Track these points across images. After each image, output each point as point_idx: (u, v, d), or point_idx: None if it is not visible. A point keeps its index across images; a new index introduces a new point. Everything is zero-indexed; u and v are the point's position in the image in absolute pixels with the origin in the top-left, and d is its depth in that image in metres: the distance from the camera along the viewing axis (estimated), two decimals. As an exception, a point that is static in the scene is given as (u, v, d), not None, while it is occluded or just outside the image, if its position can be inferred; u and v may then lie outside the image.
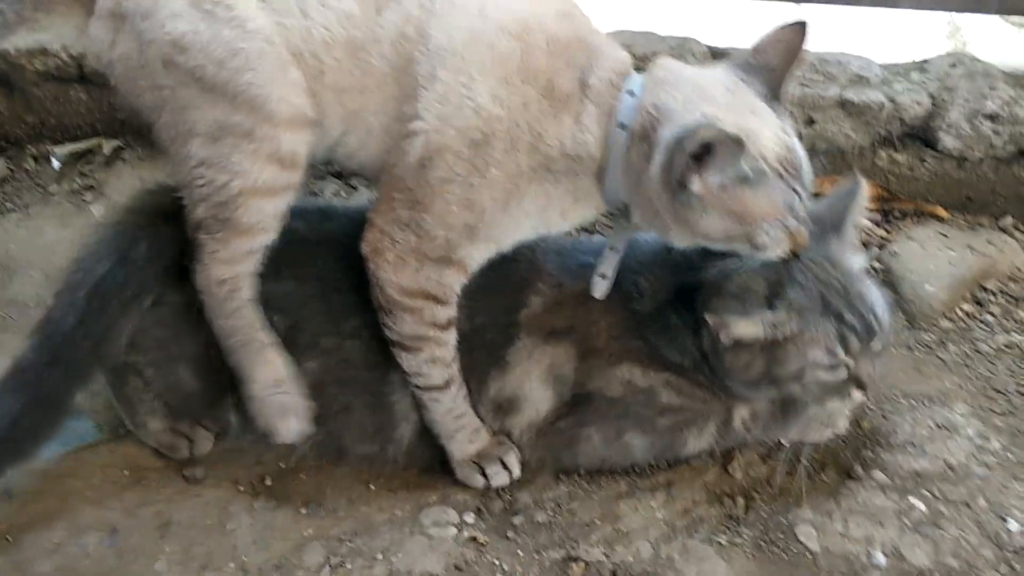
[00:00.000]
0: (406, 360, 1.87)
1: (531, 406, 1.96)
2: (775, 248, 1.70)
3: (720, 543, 1.86)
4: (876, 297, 1.85)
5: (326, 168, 2.64)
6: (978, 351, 2.27)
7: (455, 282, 1.82)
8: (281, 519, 1.93)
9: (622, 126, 1.70)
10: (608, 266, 1.87)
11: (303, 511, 1.95)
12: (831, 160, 2.57)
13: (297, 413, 1.87)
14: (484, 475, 1.97)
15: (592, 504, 1.95)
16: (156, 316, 1.93)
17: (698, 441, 1.99)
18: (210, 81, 1.67)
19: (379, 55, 1.70)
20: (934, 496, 1.93)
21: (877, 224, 2.55)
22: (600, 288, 1.87)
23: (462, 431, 1.95)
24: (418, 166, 1.71)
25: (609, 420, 1.95)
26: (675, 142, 1.60)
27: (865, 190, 1.91)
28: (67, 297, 1.87)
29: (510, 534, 1.91)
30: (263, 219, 1.77)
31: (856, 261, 1.89)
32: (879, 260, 2.47)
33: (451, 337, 1.87)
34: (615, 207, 1.80)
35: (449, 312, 1.84)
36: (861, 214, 1.90)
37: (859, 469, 1.98)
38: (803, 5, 2.72)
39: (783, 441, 2.02)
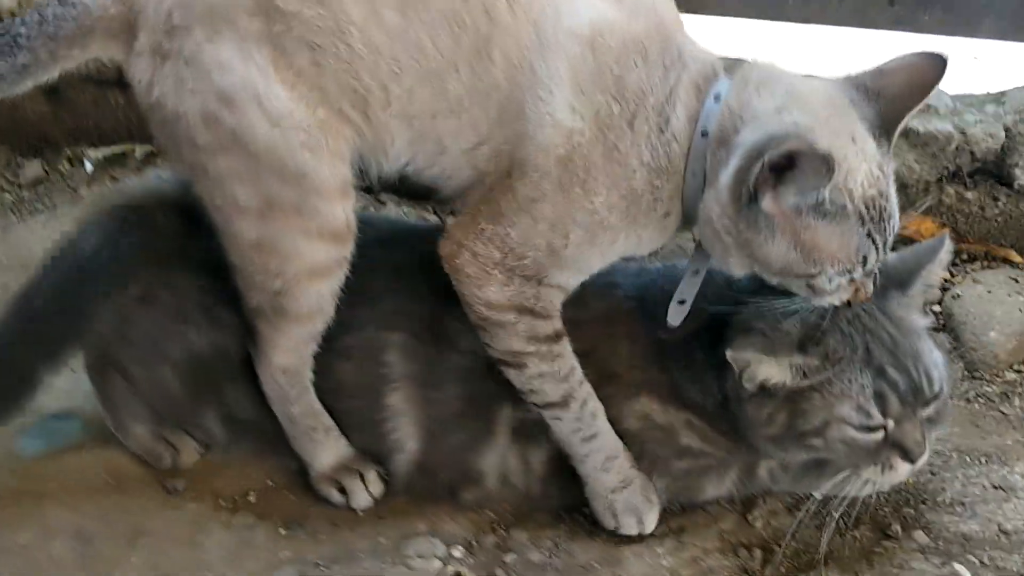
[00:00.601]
0: (513, 377, 1.69)
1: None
2: (833, 296, 1.53)
3: (731, 598, 1.67)
4: (934, 359, 1.65)
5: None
6: (1046, 404, 2.04)
7: (555, 297, 1.64)
8: (259, 538, 1.81)
9: (704, 134, 1.52)
10: (689, 291, 1.68)
11: (283, 531, 1.83)
12: (892, 194, 2.37)
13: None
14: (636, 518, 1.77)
15: (593, 546, 1.77)
16: (146, 312, 1.84)
17: (718, 488, 1.81)
18: (259, 145, 1.53)
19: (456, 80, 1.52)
20: (982, 563, 1.70)
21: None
22: (677, 315, 1.68)
23: (593, 455, 1.74)
24: (506, 177, 1.56)
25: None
26: (755, 148, 1.43)
27: (949, 250, 1.73)
28: (46, 273, 1.80)
29: (499, 572, 1.74)
30: (321, 302, 1.66)
31: (919, 321, 1.70)
32: (940, 304, 2.24)
33: (562, 349, 1.67)
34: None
35: (552, 325, 1.66)
36: (937, 276, 1.73)
37: (897, 528, 1.76)
38: (871, 32, 2.54)
39: (815, 494, 1.81)
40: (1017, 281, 2.23)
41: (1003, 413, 2.01)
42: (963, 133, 2.30)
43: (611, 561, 1.74)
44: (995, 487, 1.84)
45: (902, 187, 2.26)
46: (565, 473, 1.77)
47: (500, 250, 1.58)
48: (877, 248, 1.48)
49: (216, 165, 1.56)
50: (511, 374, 1.68)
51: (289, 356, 1.74)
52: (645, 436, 1.76)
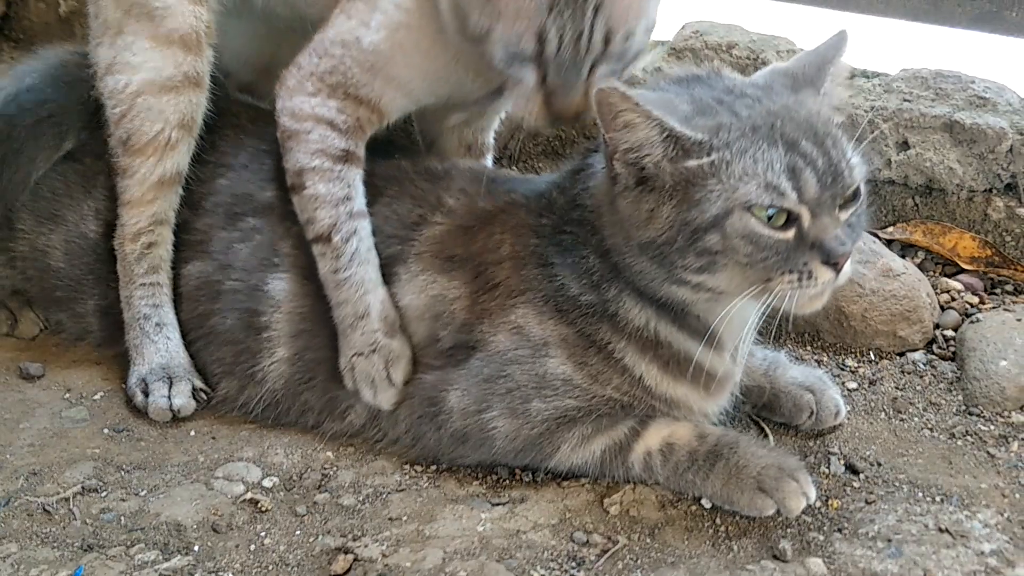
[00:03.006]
0: (296, 204, 1.60)
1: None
2: (518, 95, 1.40)
3: (535, 581, 1.34)
4: (853, 152, 1.34)
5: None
6: (1051, 457, 1.57)
7: (367, 122, 1.59)
8: (78, 433, 1.66)
9: None
10: None
11: (106, 431, 1.66)
12: (927, 202, 1.97)
13: None
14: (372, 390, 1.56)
15: (415, 501, 1.49)
16: (65, 169, 1.78)
17: (574, 454, 1.48)
18: None
19: None
20: (878, 610, 1.29)
21: (973, 291, 1.89)
22: None
23: (343, 306, 1.56)
24: None
25: (477, 383, 1.49)
26: None
27: (846, 41, 1.43)
28: None
29: (301, 509, 1.49)
30: (168, 128, 1.64)
31: (835, 119, 1.39)
32: (955, 330, 1.82)
33: (347, 174, 1.57)
34: None
35: (347, 144, 1.57)
36: (844, 73, 1.47)
37: (787, 549, 1.37)
38: (946, 28, 2.17)
39: (703, 500, 1.45)
40: (1064, 318, 1.77)
41: (990, 455, 1.57)
42: (1020, 133, 1.89)
43: (424, 517, 1.45)
44: (941, 530, 1.41)
45: (940, 193, 1.90)
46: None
47: (318, 55, 1.58)
48: (563, 36, 1.33)
49: None
50: (295, 201, 1.59)
51: (139, 210, 1.66)
52: (511, 358, 1.48)
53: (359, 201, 1.57)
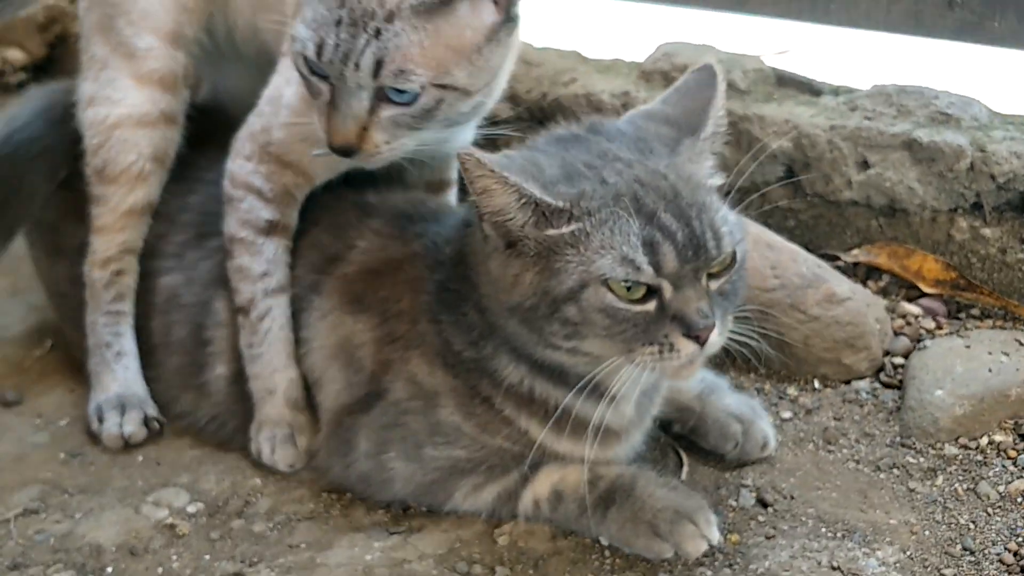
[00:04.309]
0: (228, 270, 1.65)
1: (327, 386, 1.61)
2: (317, 97, 1.39)
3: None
4: (724, 216, 1.31)
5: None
6: (975, 492, 1.50)
7: (295, 187, 1.61)
8: (35, 455, 1.75)
9: None
10: None
11: (61, 455, 1.76)
12: (891, 223, 1.90)
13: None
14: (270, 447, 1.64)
15: (320, 529, 1.54)
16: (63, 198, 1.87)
17: (466, 502, 1.52)
18: None
19: None
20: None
21: (933, 315, 1.82)
22: None
23: (256, 380, 1.63)
24: None
25: (378, 429, 1.53)
26: None
27: (722, 81, 1.38)
28: None
29: (215, 535, 1.55)
30: (142, 161, 1.72)
31: (711, 179, 1.37)
32: (905, 356, 1.75)
33: (270, 248, 1.61)
34: None
35: (273, 215, 1.61)
36: (721, 109, 1.38)
37: (661, 583, 1.36)
38: (929, 40, 2.10)
39: (601, 539, 1.45)
40: (1022, 344, 1.69)
41: (910, 490, 1.51)
42: (982, 150, 1.80)
43: (321, 545, 1.50)
44: (833, 567, 1.38)
45: (902, 213, 1.84)
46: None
47: (256, 113, 1.61)
48: (336, 49, 1.32)
49: (90, 20, 1.75)
50: (227, 266, 1.63)
51: (109, 238, 1.74)
52: (406, 408, 1.51)
53: (278, 277, 1.61)
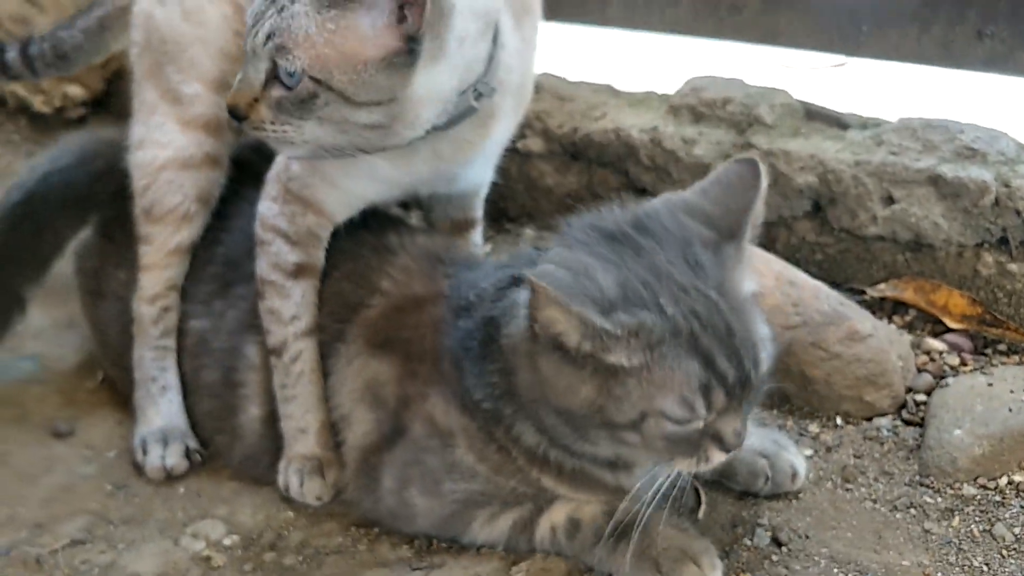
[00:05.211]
0: (260, 311, 1.71)
1: (355, 426, 1.66)
2: None
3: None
4: (763, 336, 1.36)
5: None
6: (991, 533, 1.50)
7: (316, 227, 1.66)
8: (84, 486, 1.82)
9: None
10: None
11: (108, 487, 1.83)
12: (917, 258, 1.91)
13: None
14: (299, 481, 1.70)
15: (347, 563, 1.60)
16: (102, 246, 1.97)
17: (483, 531, 1.56)
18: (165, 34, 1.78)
19: None
20: None
21: (959, 351, 1.82)
22: None
23: (288, 419, 1.70)
24: None
25: (401, 466, 1.59)
26: None
27: (765, 179, 1.39)
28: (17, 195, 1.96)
29: (248, 567, 1.62)
30: (187, 202, 1.79)
31: (749, 286, 1.40)
32: (928, 393, 1.75)
33: (298, 291, 1.66)
34: None
35: (300, 258, 1.66)
36: (761, 211, 1.40)
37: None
38: (959, 71, 2.09)
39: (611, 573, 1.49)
40: (1047, 383, 1.68)
41: (925, 531, 1.52)
42: (1006, 185, 1.80)
43: (348, 579, 1.55)
44: (844, 610, 1.39)
45: (928, 248, 1.85)
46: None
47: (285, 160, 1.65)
48: (257, 5, 1.43)
49: (141, 66, 1.82)
50: (259, 306, 1.69)
51: (156, 275, 1.82)
52: (424, 445, 1.56)
53: (307, 319, 1.67)
